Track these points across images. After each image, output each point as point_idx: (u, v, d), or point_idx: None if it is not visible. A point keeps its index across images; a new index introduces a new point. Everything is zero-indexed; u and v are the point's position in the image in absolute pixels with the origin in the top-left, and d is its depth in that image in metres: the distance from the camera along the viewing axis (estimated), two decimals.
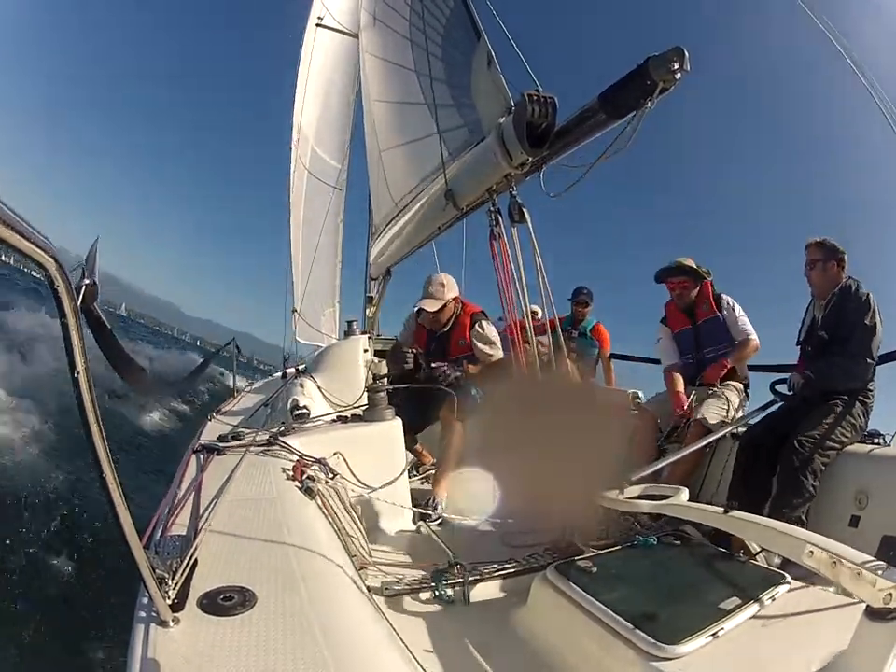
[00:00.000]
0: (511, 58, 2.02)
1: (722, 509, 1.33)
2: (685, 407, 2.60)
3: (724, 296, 2.79)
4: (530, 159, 1.78)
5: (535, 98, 1.69)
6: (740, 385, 2.69)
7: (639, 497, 1.58)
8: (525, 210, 1.81)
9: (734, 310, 2.72)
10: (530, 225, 1.80)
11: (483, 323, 2.74)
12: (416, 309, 2.81)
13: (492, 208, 1.94)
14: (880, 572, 0.96)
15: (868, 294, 2.21)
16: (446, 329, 2.81)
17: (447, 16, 2.45)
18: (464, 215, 2.34)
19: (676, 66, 1.38)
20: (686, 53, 1.39)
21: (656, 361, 3.71)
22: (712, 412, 2.49)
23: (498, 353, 2.70)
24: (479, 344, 2.71)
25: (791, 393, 2.28)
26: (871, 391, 2.23)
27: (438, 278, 2.77)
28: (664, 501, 1.49)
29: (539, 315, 3.13)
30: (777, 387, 2.39)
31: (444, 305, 2.72)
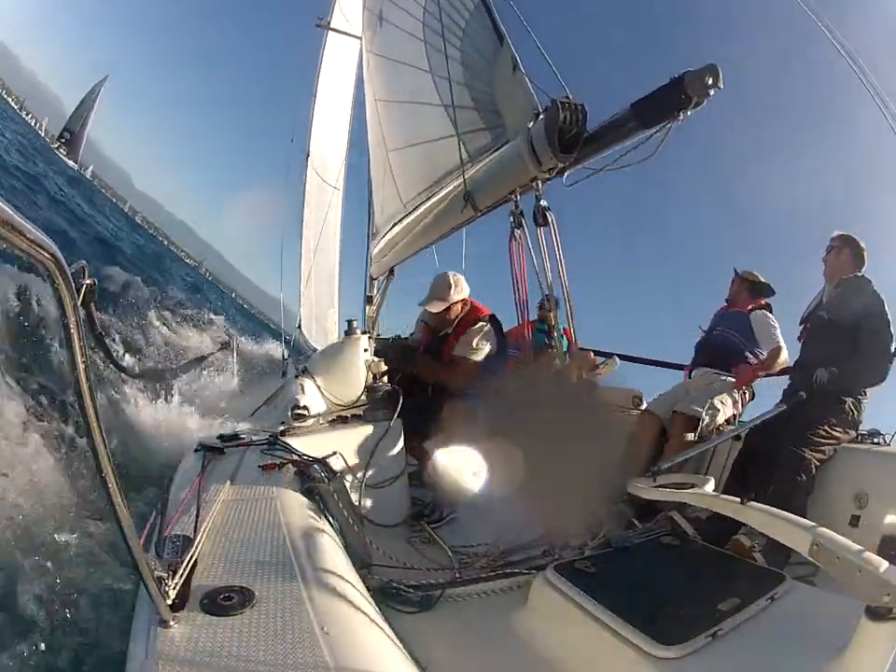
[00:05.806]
0: (529, 62, 2.06)
1: (739, 499, 1.34)
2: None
3: (766, 310, 2.85)
4: (559, 164, 1.82)
5: (566, 105, 1.73)
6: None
7: (666, 486, 1.58)
8: (549, 214, 1.83)
9: (766, 318, 2.78)
10: (554, 228, 1.82)
11: (480, 324, 2.59)
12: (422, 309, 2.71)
13: (514, 210, 1.96)
14: (881, 571, 0.96)
15: (876, 291, 2.24)
16: (449, 331, 2.66)
17: (466, 19, 2.45)
18: (481, 215, 2.35)
19: (710, 82, 1.44)
20: (720, 71, 1.44)
21: (661, 364, 3.73)
22: (703, 407, 2.48)
23: (472, 355, 2.53)
24: (460, 344, 2.57)
25: (813, 384, 2.22)
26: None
27: (444, 279, 2.61)
28: (690, 490, 1.50)
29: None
30: (790, 390, 2.38)
31: (449, 307, 2.58)
